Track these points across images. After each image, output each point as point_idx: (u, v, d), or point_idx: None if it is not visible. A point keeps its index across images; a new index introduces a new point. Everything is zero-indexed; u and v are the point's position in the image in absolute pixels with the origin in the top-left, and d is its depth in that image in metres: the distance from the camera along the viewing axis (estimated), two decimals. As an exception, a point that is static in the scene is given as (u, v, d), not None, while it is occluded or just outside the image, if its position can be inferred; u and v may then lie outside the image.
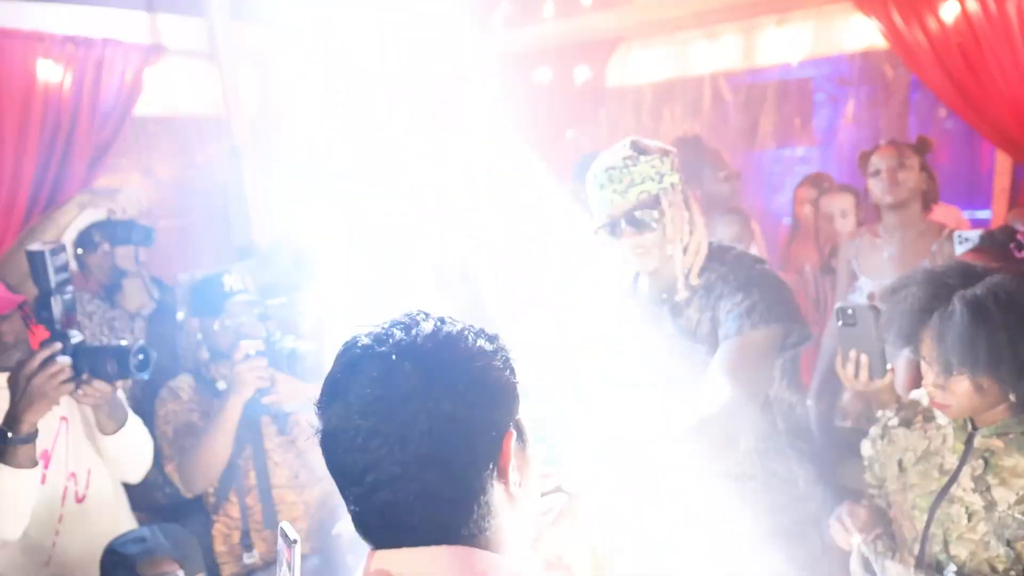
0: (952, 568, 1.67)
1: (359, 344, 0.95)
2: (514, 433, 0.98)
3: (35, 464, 2.02)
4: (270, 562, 2.57)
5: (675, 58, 4.84)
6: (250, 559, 2.57)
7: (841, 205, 3.46)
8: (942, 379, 1.66)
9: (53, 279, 2.04)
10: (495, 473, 0.95)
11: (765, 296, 1.92)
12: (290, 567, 1.17)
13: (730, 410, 1.79)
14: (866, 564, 1.75)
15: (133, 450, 2.33)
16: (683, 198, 2.01)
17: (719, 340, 1.95)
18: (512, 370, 1.01)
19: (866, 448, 2.01)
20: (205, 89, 4.04)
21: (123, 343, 2.15)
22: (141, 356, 2.15)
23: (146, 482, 2.46)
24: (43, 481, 2.15)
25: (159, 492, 2.65)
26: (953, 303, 1.60)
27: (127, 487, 2.47)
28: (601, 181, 1.99)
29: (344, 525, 2.36)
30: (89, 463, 2.30)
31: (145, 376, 2.17)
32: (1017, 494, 1.61)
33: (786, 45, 4.42)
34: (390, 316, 0.99)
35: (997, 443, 1.67)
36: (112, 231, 2.96)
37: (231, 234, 3.67)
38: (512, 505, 0.97)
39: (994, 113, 3.82)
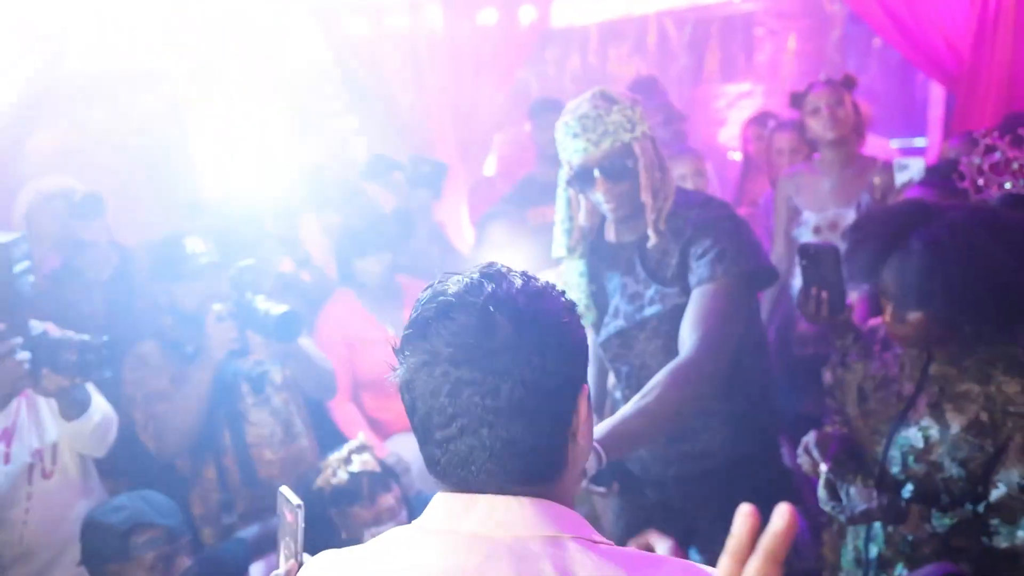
0: (909, 487, 1.77)
1: (450, 291, 0.94)
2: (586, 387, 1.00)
3: None
4: (249, 518, 2.58)
5: (620, -4, 4.82)
6: (229, 519, 2.58)
7: (792, 142, 3.54)
8: (900, 313, 1.74)
9: (14, 270, 1.95)
10: (570, 423, 0.97)
11: (733, 242, 1.97)
12: (294, 534, 1.15)
13: (711, 355, 1.87)
14: (832, 491, 1.84)
15: (97, 431, 2.28)
16: (652, 145, 2.04)
17: (690, 285, 2.00)
18: (583, 328, 1.02)
19: (826, 376, 2.10)
20: (139, 39, 3.89)
21: (85, 337, 2.09)
22: (105, 352, 2.09)
23: (117, 451, 2.43)
24: (7, 460, 2.10)
25: (131, 460, 2.61)
26: (911, 242, 1.66)
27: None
28: (574, 130, 1.98)
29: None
30: (53, 438, 2.23)
31: (107, 374, 2.13)
32: (969, 419, 1.70)
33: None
34: (468, 268, 1.00)
35: (952, 371, 1.75)
36: (66, 203, 2.85)
37: (177, 192, 3.58)
38: (575, 460, 0.99)
39: (927, 44, 3.92)
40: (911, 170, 2.90)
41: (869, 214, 1.82)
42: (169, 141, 3.94)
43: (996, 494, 1.66)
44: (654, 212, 2.05)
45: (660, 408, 1.76)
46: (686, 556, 2.41)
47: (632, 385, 2.17)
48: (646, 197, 2.03)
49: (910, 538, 1.74)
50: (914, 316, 1.71)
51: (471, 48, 4.95)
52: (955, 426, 1.71)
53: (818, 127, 3.10)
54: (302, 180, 3.72)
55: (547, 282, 1.02)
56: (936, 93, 4.36)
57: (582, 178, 2.03)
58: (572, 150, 2.01)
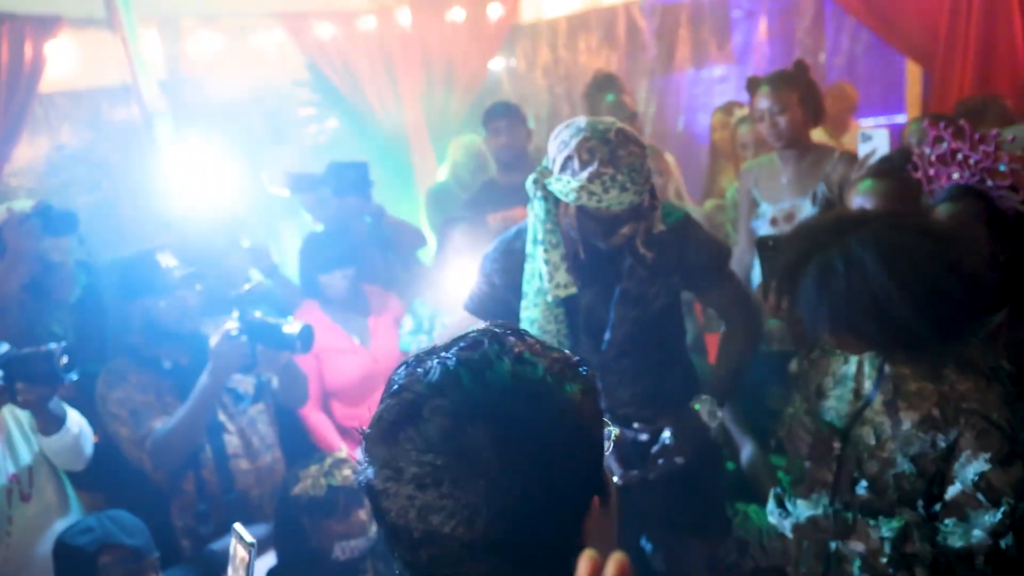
0: (863, 484, 1.79)
1: (418, 383, 0.78)
2: (598, 498, 0.82)
3: None
4: (225, 531, 2.64)
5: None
6: (206, 530, 2.62)
7: (754, 136, 3.55)
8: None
9: None
10: (575, 550, 0.72)
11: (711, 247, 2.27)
12: (246, 569, 1.15)
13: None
14: (779, 501, 1.86)
15: (75, 445, 2.34)
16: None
17: (700, 287, 2.30)
18: (600, 414, 0.84)
19: (792, 365, 2.11)
20: (110, 58, 3.93)
21: (51, 346, 2.16)
22: (65, 358, 2.16)
23: (94, 466, 2.49)
24: None
25: (109, 475, 2.67)
26: (810, 265, 1.66)
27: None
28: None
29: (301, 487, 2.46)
30: (27, 461, 2.29)
31: (74, 377, 2.18)
32: (921, 415, 1.70)
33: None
34: (455, 336, 0.83)
35: (905, 370, 1.76)
36: (40, 223, 2.87)
37: (154, 206, 3.62)
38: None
39: (902, 23, 3.93)
40: (875, 141, 2.90)
41: (803, 222, 1.84)
42: (145, 156, 3.99)
43: (952, 491, 1.64)
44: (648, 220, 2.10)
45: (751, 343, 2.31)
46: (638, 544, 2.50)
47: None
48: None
49: (862, 549, 1.74)
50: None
51: (441, 47, 4.99)
52: (907, 422, 1.72)
53: (764, 132, 3.12)
54: (304, 179, 3.73)
55: (552, 358, 0.82)
56: (912, 71, 4.36)
57: (581, 165, 1.95)
58: (573, 141, 1.97)
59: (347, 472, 2.41)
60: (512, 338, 0.82)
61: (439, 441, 0.74)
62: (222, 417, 2.67)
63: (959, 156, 2.61)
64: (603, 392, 2.07)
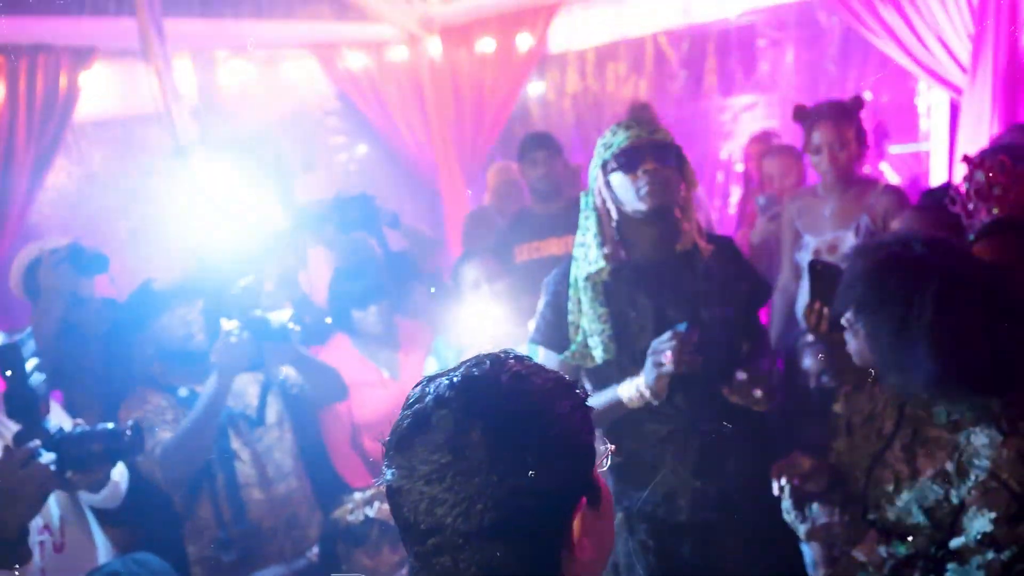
0: (880, 527, 1.77)
1: (428, 396, 0.91)
2: (586, 500, 0.92)
3: (30, 556, 1.88)
4: (245, 560, 2.63)
5: (615, 19, 4.84)
6: (228, 557, 2.61)
7: (780, 167, 3.53)
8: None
9: (26, 369, 1.92)
10: (564, 544, 0.90)
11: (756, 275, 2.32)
12: None
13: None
14: (798, 503, 1.85)
15: (116, 492, 2.30)
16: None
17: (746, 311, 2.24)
18: (590, 426, 0.94)
19: (837, 406, 2.07)
20: (143, 88, 3.98)
21: (109, 425, 2.03)
22: (130, 433, 2.03)
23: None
24: None
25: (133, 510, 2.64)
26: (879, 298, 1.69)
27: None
28: (626, 124, 2.10)
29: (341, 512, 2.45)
30: (60, 511, 2.19)
31: (139, 457, 2.12)
32: (935, 468, 1.69)
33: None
34: (468, 357, 0.96)
35: (923, 414, 1.74)
36: (73, 265, 2.91)
37: (184, 235, 3.64)
38: (581, 572, 0.92)
39: (926, 54, 3.90)
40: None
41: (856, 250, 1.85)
42: (176, 184, 4.02)
43: (956, 542, 1.65)
44: (689, 223, 2.14)
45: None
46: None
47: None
48: (686, 199, 2.14)
49: (863, 559, 1.74)
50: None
51: (470, 77, 5.02)
52: (923, 474, 1.71)
53: (820, 166, 3.09)
54: (307, 216, 3.76)
55: (548, 377, 0.95)
56: (940, 98, 4.33)
57: (627, 158, 2.04)
58: (621, 139, 2.07)
59: (386, 506, 2.38)
60: (512, 360, 0.95)
61: (444, 443, 0.87)
62: (235, 445, 2.65)
63: (996, 190, 2.57)
64: (689, 408, 2.12)
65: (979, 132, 3.74)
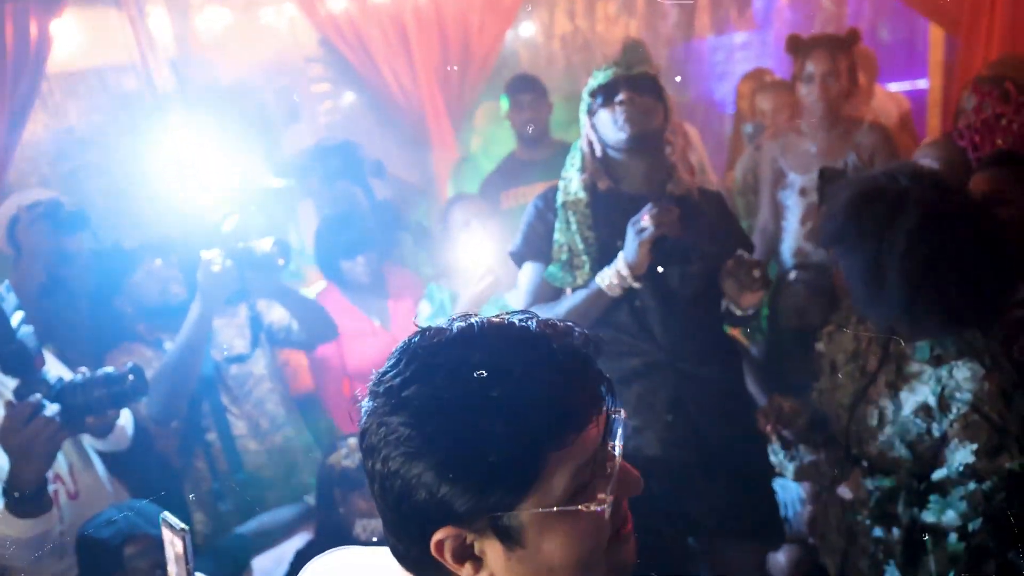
0: (864, 463, 1.79)
1: (381, 369, 0.87)
2: (470, 535, 0.83)
3: (51, 504, 1.91)
4: (244, 508, 2.64)
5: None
6: (224, 507, 2.64)
7: (773, 102, 3.45)
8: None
9: (12, 324, 1.87)
10: (431, 550, 0.84)
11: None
12: (180, 559, 1.12)
13: None
14: (784, 444, 1.86)
15: (123, 435, 2.31)
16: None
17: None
18: (539, 442, 0.79)
19: (818, 346, 2.08)
20: (118, 37, 3.86)
21: (110, 370, 2.03)
22: (132, 377, 2.03)
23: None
24: None
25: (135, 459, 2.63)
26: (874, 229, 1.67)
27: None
28: (605, 64, 2.13)
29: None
30: (71, 459, 2.20)
31: (143, 399, 2.10)
32: (918, 401, 1.69)
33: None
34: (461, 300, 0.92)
35: (907, 349, 1.74)
36: (52, 222, 2.86)
37: (167, 190, 3.56)
38: None
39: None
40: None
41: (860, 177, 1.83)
42: (156, 138, 3.92)
43: (939, 474, 1.67)
44: (676, 154, 2.15)
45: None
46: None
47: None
48: (667, 131, 2.13)
49: (849, 496, 1.75)
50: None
51: (456, 19, 4.87)
52: (906, 408, 1.72)
53: (808, 95, 3.01)
54: (294, 166, 3.69)
55: (499, 323, 0.86)
56: (935, 35, 4.22)
57: (606, 92, 2.09)
58: (600, 77, 2.11)
59: None
60: (472, 317, 0.88)
61: (369, 428, 0.84)
62: (225, 400, 2.66)
63: (1003, 121, 2.50)
64: (664, 344, 2.12)
65: (975, 68, 3.66)
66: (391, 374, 0.85)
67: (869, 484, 1.73)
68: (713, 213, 2.24)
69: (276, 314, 2.76)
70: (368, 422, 0.85)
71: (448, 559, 0.84)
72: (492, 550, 0.83)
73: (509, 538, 0.82)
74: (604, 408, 0.85)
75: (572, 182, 2.21)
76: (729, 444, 2.16)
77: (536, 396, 0.79)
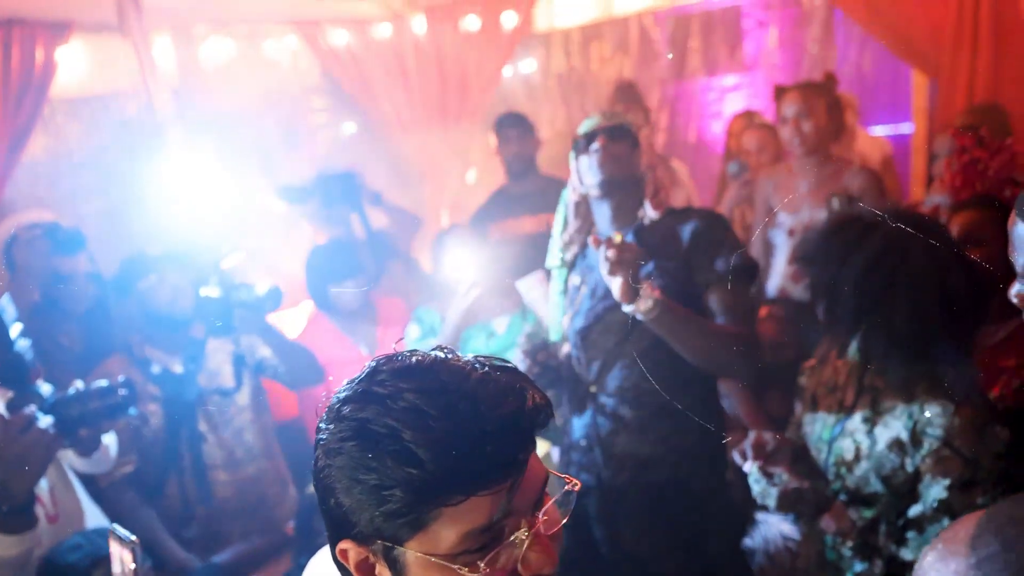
0: (843, 496, 1.81)
1: (346, 386, 0.93)
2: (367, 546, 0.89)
3: (37, 522, 1.89)
4: (207, 537, 2.66)
5: (600, -2, 4.83)
6: (189, 533, 2.65)
7: (758, 142, 3.54)
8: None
9: (10, 335, 1.92)
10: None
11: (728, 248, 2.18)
12: (130, 571, 1.12)
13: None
14: (767, 474, 1.88)
15: (106, 456, 2.32)
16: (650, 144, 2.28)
17: (704, 282, 2.15)
18: (430, 495, 0.84)
19: (802, 379, 2.11)
20: (121, 64, 3.93)
21: (103, 383, 2.06)
22: (125, 391, 2.07)
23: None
24: None
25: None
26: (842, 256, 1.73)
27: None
28: (592, 116, 2.27)
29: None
30: (52, 482, 2.19)
31: (133, 412, 2.13)
32: (891, 436, 1.72)
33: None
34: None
35: (880, 384, 1.78)
36: (49, 243, 2.91)
37: (161, 214, 3.61)
38: None
39: (908, 33, 3.90)
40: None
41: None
42: (155, 163, 3.98)
43: (915, 510, 1.69)
44: (651, 186, 2.23)
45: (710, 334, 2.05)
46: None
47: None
48: (644, 168, 2.22)
49: (833, 529, 1.77)
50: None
51: (455, 55, 4.98)
52: (880, 442, 1.74)
53: (785, 136, 3.12)
54: (292, 190, 3.74)
55: (399, 423, 0.85)
56: (918, 80, 4.32)
57: (584, 142, 2.22)
58: (584, 127, 2.24)
59: None
60: (435, 353, 0.93)
61: (348, 408, 0.88)
62: (203, 427, 2.67)
63: (979, 166, 2.58)
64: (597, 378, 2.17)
65: (956, 114, 3.75)
66: (345, 387, 0.92)
67: (852, 514, 1.75)
68: (675, 238, 2.22)
69: (265, 351, 2.79)
70: (320, 423, 0.92)
71: (351, 568, 0.91)
72: (384, 574, 0.90)
73: (395, 569, 0.88)
74: (516, 478, 0.86)
75: (554, 244, 2.37)
76: (692, 472, 2.21)
77: (439, 452, 0.82)
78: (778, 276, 3.22)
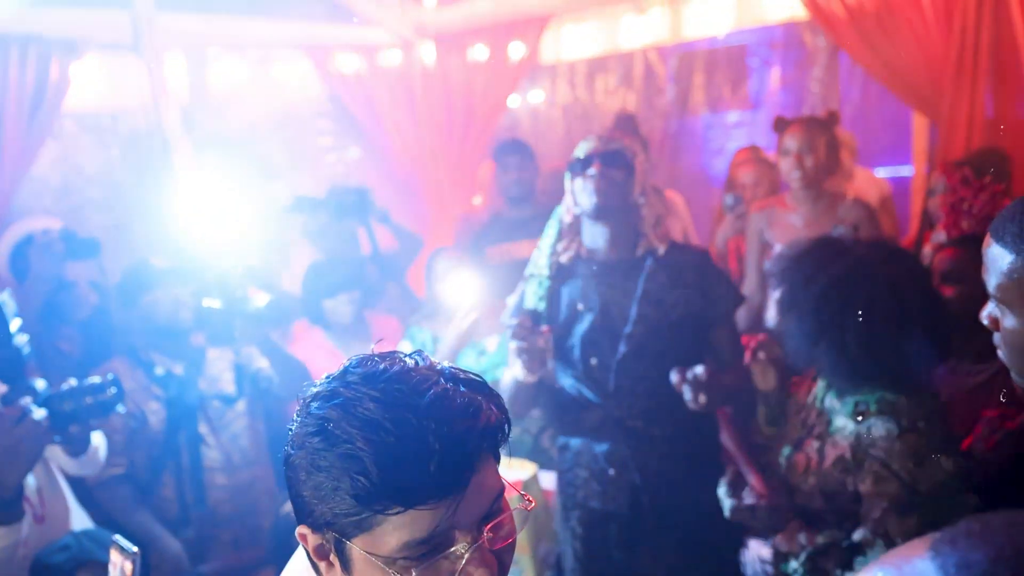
0: (800, 516, 1.85)
1: (314, 387, 0.97)
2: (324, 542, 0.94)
3: (24, 514, 1.92)
4: (199, 541, 2.68)
5: (606, 33, 4.91)
6: (184, 535, 2.66)
7: (754, 176, 3.58)
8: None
9: (10, 330, 1.96)
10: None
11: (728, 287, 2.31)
12: None
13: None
14: (733, 487, 1.93)
15: (95, 458, 2.34)
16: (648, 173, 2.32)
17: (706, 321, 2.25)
18: (373, 502, 0.88)
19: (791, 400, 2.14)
20: (133, 82, 4.01)
21: (96, 379, 2.09)
22: (114, 389, 2.10)
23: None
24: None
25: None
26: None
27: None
28: (587, 139, 2.30)
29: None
30: (40, 482, 2.21)
31: (121, 409, 2.17)
32: (838, 454, 1.76)
33: (713, 17, 4.51)
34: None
35: (836, 404, 1.82)
36: (65, 248, 2.96)
37: (168, 230, 3.66)
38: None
39: (909, 76, 3.96)
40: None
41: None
42: (162, 179, 4.05)
43: (858, 534, 1.71)
44: (650, 218, 2.26)
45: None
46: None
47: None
48: (639, 198, 2.25)
49: (784, 549, 1.79)
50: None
51: (462, 84, 5.06)
52: (827, 459, 1.78)
53: (785, 169, 3.15)
54: (303, 202, 3.80)
55: (362, 420, 0.89)
56: (919, 123, 4.37)
57: (580, 165, 2.25)
58: (579, 152, 2.27)
59: None
60: (406, 359, 0.97)
61: (316, 404, 0.92)
62: (203, 430, 2.71)
63: (965, 204, 2.62)
64: (616, 401, 2.19)
65: (955, 156, 3.79)
66: (322, 381, 0.96)
67: (802, 539, 1.77)
68: (688, 267, 2.30)
69: (262, 362, 2.82)
70: (295, 412, 0.97)
71: (310, 551, 0.96)
72: (336, 564, 0.95)
73: (343, 560, 0.94)
74: (458, 495, 0.89)
75: (541, 255, 2.38)
76: (679, 505, 2.20)
77: (384, 464, 0.86)
78: (775, 307, 3.24)
